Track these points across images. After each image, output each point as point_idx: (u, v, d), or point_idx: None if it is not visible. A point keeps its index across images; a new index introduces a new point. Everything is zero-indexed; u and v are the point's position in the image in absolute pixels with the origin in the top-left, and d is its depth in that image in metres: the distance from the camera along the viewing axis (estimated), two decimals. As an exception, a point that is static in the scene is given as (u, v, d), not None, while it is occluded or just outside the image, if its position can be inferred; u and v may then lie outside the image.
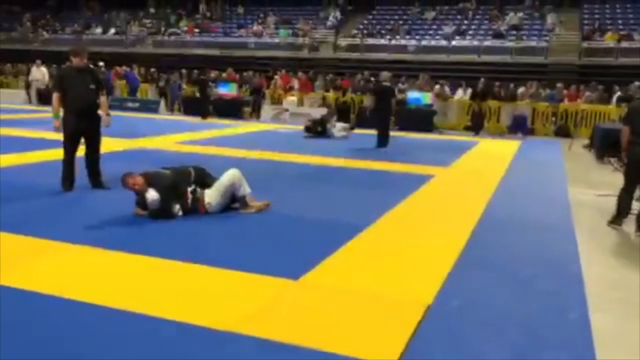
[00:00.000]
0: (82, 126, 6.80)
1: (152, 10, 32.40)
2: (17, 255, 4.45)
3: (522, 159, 11.28)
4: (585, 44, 21.54)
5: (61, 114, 6.84)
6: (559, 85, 17.86)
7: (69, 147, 6.84)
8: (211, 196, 5.89)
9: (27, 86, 21.85)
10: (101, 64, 20.02)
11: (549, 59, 21.69)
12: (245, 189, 6.03)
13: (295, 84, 20.43)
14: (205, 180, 6.03)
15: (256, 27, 27.74)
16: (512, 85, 18.36)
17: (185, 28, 29.09)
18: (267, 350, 3.08)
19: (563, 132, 16.40)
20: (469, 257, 4.83)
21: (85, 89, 6.74)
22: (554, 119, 17.07)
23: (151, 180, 5.65)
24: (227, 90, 19.11)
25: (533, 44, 22.46)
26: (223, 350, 3.08)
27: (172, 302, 3.68)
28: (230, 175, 5.99)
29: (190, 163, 6.39)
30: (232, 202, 6.09)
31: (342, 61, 24.30)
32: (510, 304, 3.87)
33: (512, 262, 4.76)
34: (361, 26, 26.92)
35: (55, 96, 6.80)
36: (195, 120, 17.12)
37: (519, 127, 15.91)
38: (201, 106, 17.97)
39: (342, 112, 16.94)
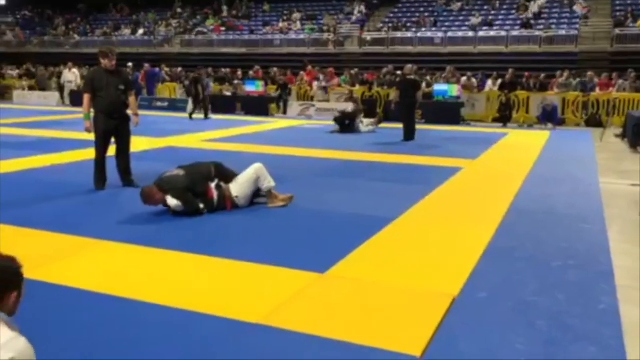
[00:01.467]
0: (112, 126, 6.96)
1: (179, 10, 32.80)
2: (55, 252, 4.59)
3: (552, 149, 11.10)
4: (617, 31, 21.02)
5: (92, 114, 7.01)
6: (589, 73, 17.48)
7: (100, 146, 7.01)
8: (237, 190, 5.98)
9: (61, 88, 22.38)
10: (130, 64, 20.38)
11: (580, 47, 21.23)
12: (270, 182, 6.11)
13: (322, 79, 20.44)
14: (226, 174, 6.11)
15: (282, 24, 27.84)
16: (542, 75, 18.03)
17: (212, 27, 29.38)
18: (294, 343, 3.13)
19: (595, 121, 16.06)
20: (497, 248, 4.80)
21: (115, 90, 6.89)
22: (584, 109, 16.72)
23: (164, 187, 5.69)
24: (254, 88, 19.25)
25: (563, 32, 22.01)
26: (251, 342, 3.14)
27: (201, 295, 3.77)
28: (254, 169, 6.07)
29: (209, 159, 6.46)
30: (256, 196, 6.17)
31: (368, 55, 24.22)
32: (539, 295, 3.84)
33: (541, 253, 4.72)
34: (387, 19, 26.78)
35: (85, 97, 6.97)
36: (222, 117, 17.29)
37: (549, 117, 15.63)
38: (194, 104, 17.13)
39: (368, 107, 16.90)
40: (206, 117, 16.83)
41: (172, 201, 5.66)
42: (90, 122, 6.98)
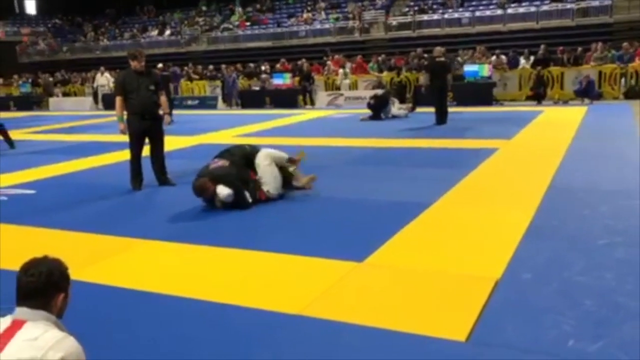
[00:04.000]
0: (145, 126, 7.04)
1: (204, 8, 33.02)
2: (96, 253, 4.68)
3: (590, 125, 10.80)
4: (653, -2, 20.26)
5: (125, 116, 7.11)
6: (625, 44, 16.88)
7: (135, 147, 7.11)
8: (267, 184, 6.01)
9: (94, 93, 22.80)
10: (160, 65, 20.53)
11: (614, 17, 20.53)
12: (284, 155, 6.23)
13: (348, 67, 20.33)
14: (248, 152, 6.19)
15: (306, 15, 27.75)
16: (580, 49, 17.50)
17: (237, 22, 29.48)
18: (335, 333, 3.11)
19: (634, 93, 15.53)
20: (538, 228, 4.69)
21: (146, 91, 6.97)
22: (623, 80, 16.19)
23: (216, 178, 5.69)
24: (282, 81, 19.28)
25: (596, 3, 21.30)
26: (292, 333, 3.14)
27: (241, 288, 3.78)
28: (266, 158, 6.06)
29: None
30: (288, 187, 6.25)
31: (394, 40, 23.96)
32: (585, 274, 3.73)
33: (585, 231, 4.59)
34: (412, 3, 26.40)
35: (118, 100, 7.05)
36: (251, 112, 17.36)
37: (586, 92, 15.19)
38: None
39: (398, 92, 16.76)
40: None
41: (223, 190, 5.64)
42: (124, 124, 7.08)
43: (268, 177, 6.01)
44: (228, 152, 6.14)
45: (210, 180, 5.70)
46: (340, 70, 19.54)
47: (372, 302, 3.48)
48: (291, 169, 6.27)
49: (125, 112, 7.07)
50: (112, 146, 10.58)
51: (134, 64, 6.97)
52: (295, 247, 4.48)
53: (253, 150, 6.20)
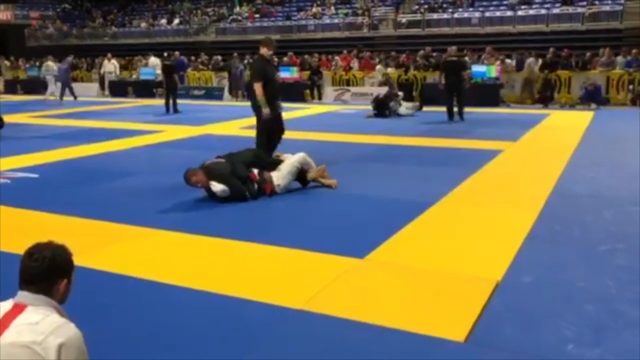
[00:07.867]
0: (275, 114, 6.88)
1: (213, -2, 32.94)
2: (99, 239, 4.68)
3: (596, 130, 10.75)
4: (665, 4, 20.12)
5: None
6: (634, 51, 16.78)
7: (269, 135, 6.89)
8: (279, 179, 6.03)
9: (101, 79, 22.75)
10: (176, 53, 20.41)
11: (625, 23, 20.40)
12: (314, 168, 6.25)
13: (356, 64, 20.27)
14: (264, 161, 6.18)
15: (315, 9, 27.65)
16: (588, 54, 17.40)
17: (246, 14, 29.40)
18: (335, 328, 3.11)
19: (641, 100, 15.45)
20: (541, 232, 4.68)
21: (276, 79, 6.87)
22: (631, 86, 16.10)
23: (210, 173, 5.74)
24: (289, 74, 19.23)
25: (607, 8, 21.17)
26: (292, 328, 3.15)
27: (242, 281, 3.79)
28: (298, 160, 6.16)
29: (249, 147, 6.52)
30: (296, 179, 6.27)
31: (403, 38, 23.86)
32: (586, 280, 3.73)
33: (588, 237, 4.59)
34: (422, 1, 26.29)
35: (259, 85, 6.70)
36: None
37: (592, 97, 15.13)
38: (166, 96, 14.95)
39: (404, 90, 16.70)
40: (175, 110, 14.71)
41: (217, 187, 5.69)
42: (268, 109, 6.77)
43: (285, 175, 6.04)
44: (228, 155, 6.16)
45: (203, 172, 5.73)
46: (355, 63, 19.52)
47: (372, 299, 3.48)
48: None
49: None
50: (117, 133, 10.57)
51: (264, 50, 6.79)
52: (297, 241, 4.48)
53: (257, 154, 6.23)
